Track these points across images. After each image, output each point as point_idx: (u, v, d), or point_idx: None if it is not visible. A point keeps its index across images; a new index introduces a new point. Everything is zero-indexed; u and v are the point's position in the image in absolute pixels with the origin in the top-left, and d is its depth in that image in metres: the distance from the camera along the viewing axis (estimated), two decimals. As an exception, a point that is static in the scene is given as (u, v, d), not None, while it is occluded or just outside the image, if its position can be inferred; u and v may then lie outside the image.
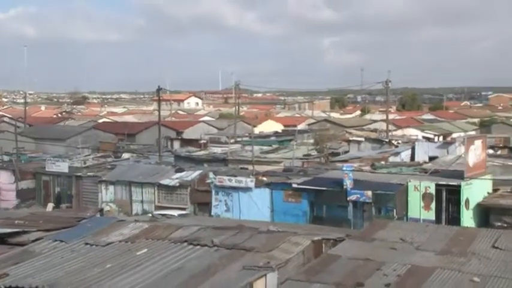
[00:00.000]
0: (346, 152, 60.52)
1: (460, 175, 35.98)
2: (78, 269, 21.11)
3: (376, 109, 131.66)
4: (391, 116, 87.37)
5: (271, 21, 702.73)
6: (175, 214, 36.05)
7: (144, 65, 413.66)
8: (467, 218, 34.71)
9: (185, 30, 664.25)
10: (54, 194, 46.43)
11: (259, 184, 39.09)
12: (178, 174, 43.14)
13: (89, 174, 46.28)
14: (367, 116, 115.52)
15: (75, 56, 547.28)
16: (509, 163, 46.72)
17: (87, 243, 24.26)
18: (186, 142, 72.14)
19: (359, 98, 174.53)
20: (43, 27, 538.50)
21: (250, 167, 44.66)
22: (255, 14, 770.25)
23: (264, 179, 39.99)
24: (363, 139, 67.51)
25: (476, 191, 36.09)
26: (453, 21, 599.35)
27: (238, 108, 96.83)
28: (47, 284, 19.38)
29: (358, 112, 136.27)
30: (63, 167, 46.83)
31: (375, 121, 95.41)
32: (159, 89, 65.58)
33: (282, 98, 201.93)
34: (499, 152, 54.16)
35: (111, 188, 43.91)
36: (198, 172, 43.18)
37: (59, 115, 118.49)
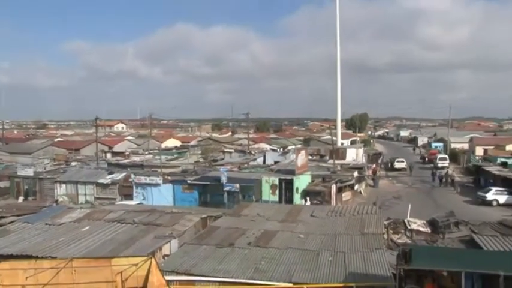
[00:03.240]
0: (222, 159, 60.63)
1: (292, 172, 36.97)
2: (41, 241, 20.38)
3: (241, 131, 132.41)
4: (250, 136, 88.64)
5: (172, 73, 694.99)
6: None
7: (86, 101, 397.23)
8: (297, 199, 35.68)
9: (113, 78, 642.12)
10: (23, 191, 43.66)
11: (165, 181, 38.36)
12: (110, 176, 41.76)
13: (47, 176, 43.93)
14: (236, 136, 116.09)
15: (38, 96, 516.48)
16: (320, 164, 48.66)
17: (46, 224, 23.33)
18: (115, 154, 70.05)
19: (230, 124, 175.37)
20: (14, 76, 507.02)
21: (159, 170, 43.89)
22: (160, 68, 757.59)
23: (168, 177, 39.31)
24: (233, 150, 67.87)
25: (302, 182, 37.23)
26: (284, 77, 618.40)
27: (151, 130, 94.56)
28: (19, 252, 18.66)
29: (230, 133, 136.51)
30: (29, 171, 44.50)
31: (240, 139, 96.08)
32: (96, 118, 64.25)
33: (180, 123, 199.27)
34: (314, 158, 56.05)
35: (63, 185, 41.87)
36: (123, 174, 41.89)
37: (27, 136, 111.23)
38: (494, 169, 47.08)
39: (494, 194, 39.42)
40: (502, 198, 39.00)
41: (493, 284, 12.32)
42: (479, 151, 68.41)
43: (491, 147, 69.21)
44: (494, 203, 38.76)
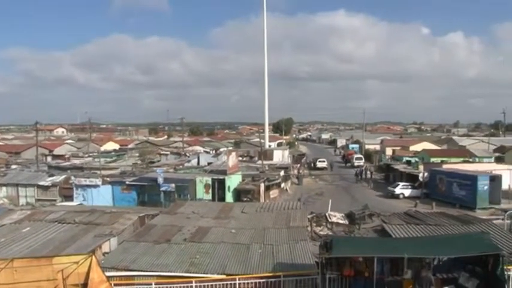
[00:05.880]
0: (159, 160, 59.68)
1: (224, 172, 37.12)
2: (-19, 244, 18.98)
3: (176, 134, 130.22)
4: (185, 139, 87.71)
5: (109, 80, 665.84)
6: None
7: (26, 107, 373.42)
8: (229, 197, 35.89)
9: (52, 85, 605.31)
10: (-36, 194, 40.83)
11: (104, 182, 37.29)
12: (50, 178, 40.10)
13: (-13, 180, 41.37)
14: (171, 139, 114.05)
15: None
16: (250, 165, 49.17)
17: (-14, 226, 21.82)
18: (56, 157, 67.06)
19: (166, 128, 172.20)
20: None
21: (98, 172, 42.53)
22: (97, 76, 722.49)
23: (108, 179, 38.22)
24: (168, 153, 67.12)
25: (233, 181, 37.47)
26: (215, 85, 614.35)
27: (90, 134, 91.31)
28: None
29: (166, 136, 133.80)
30: (-30, 176, 41.76)
31: (176, 142, 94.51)
32: (36, 123, 62.11)
33: (119, 127, 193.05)
34: (244, 159, 56.55)
35: (4, 188, 39.74)
36: (64, 176, 40.42)
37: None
38: (400, 167, 50.01)
39: (401, 189, 41.87)
40: (407, 192, 41.57)
41: (399, 264, 13.16)
42: (388, 151, 72.19)
43: (398, 148, 73.21)
44: (401, 196, 41.20)
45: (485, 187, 35.89)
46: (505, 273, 12.87)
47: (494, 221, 21.74)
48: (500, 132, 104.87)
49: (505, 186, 37.35)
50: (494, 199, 35.75)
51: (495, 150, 64.96)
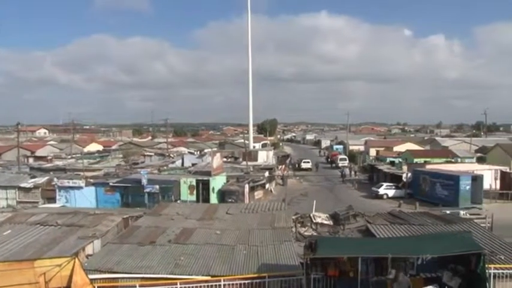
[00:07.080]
0: (143, 162, 59.24)
1: (209, 173, 37.06)
2: (-40, 247, 18.52)
3: (161, 135, 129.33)
4: (169, 140, 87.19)
5: (92, 81, 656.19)
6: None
7: (8, 107, 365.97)
8: (214, 198, 35.87)
9: (33, 85, 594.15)
10: None
11: (87, 184, 36.90)
12: (32, 180, 39.47)
13: (-33, 182, 40.44)
14: (155, 140, 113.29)
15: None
16: (234, 166, 49.14)
17: (-35, 229, 21.29)
18: (38, 158, 66.16)
19: (150, 129, 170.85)
20: None
21: (81, 173, 42.00)
22: (80, 76, 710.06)
23: (91, 180, 37.80)
24: (153, 154, 66.67)
25: (218, 182, 37.49)
26: (199, 86, 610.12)
27: (73, 135, 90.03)
28: None
29: (150, 137, 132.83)
30: None
31: (160, 143, 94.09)
32: (18, 124, 61.35)
33: (102, 128, 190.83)
34: (229, 160, 56.47)
35: (-16, 190, 38.90)
36: (46, 178, 39.80)
37: None
38: (384, 167, 50.48)
39: (385, 189, 42.25)
40: (391, 192, 41.97)
41: (383, 264, 13.28)
42: (372, 152, 72.89)
43: (382, 148, 73.99)
44: (385, 196, 41.57)
45: (467, 187, 36.43)
46: (487, 271, 13.07)
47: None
48: (482, 133, 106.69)
49: (486, 186, 38.00)
50: (476, 199, 36.33)
51: (477, 151, 66.09)
